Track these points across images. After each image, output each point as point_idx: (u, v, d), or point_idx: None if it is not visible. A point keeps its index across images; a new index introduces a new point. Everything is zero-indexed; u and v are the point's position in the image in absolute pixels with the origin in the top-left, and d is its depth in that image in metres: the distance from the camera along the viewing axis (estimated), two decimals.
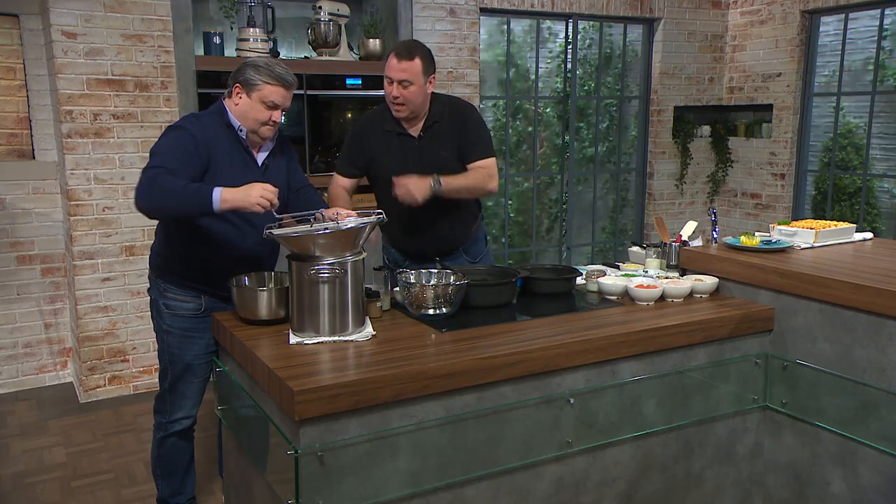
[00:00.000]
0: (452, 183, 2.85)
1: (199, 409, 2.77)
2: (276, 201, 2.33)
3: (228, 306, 2.63)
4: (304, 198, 2.75)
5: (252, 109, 2.50)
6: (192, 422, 2.76)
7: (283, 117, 2.58)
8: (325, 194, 3.05)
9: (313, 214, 2.41)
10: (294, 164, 2.79)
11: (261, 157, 2.62)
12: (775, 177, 5.93)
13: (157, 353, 2.76)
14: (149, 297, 2.74)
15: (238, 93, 2.51)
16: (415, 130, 2.95)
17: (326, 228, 2.23)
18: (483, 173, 2.94)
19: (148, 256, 2.79)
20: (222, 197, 2.29)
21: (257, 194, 2.30)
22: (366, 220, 2.32)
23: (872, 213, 5.57)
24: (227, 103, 2.56)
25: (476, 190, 2.96)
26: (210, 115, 2.56)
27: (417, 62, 2.79)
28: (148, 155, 2.46)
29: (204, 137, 2.46)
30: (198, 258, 2.58)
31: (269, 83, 2.48)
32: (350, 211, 2.51)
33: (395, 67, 2.80)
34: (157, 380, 2.84)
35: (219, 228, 2.54)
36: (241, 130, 2.54)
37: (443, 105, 2.97)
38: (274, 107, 2.51)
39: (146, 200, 2.32)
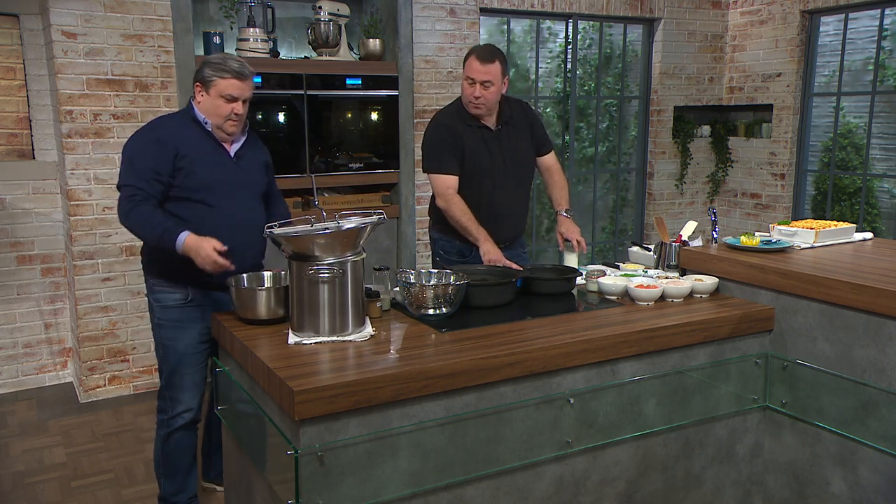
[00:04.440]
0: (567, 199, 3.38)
1: (200, 401, 2.79)
2: (223, 263, 2.48)
3: (217, 294, 2.70)
4: (271, 210, 2.86)
5: (213, 105, 2.62)
6: (194, 414, 2.78)
7: (245, 108, 2.68)
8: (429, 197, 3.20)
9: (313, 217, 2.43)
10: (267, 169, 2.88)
11: (233, 149, 2.72)
12: (775, 177, 5.93)
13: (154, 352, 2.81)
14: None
15: (199, 91, 2.64)
16: (491, 124, 3.19)
17: (327, 229, 2.23)
18: (563, 176, 3.45)
19: None
20: (185, 242, 2.48)
21: (205, 255, 2.46)
22: (367, 220, 2.32)
23: (872, 213, 5.57)
24: (194, 102, 2.68)
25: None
26: (179, 114, 2.72)
27: (497, 65, 3.02)
28: None
29: (171, 135, 2.61)
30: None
31: (223, 77, 2.59)
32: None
33: (479, 70, 3.01)
34: (156, 380, 2.86)
35: (197, 220, 2.61)
36: (206, 123, 2.65)
37: (509, 103, 3.24)
38: (233, 99, 2.62)
39: (124, 223, 2.58)
